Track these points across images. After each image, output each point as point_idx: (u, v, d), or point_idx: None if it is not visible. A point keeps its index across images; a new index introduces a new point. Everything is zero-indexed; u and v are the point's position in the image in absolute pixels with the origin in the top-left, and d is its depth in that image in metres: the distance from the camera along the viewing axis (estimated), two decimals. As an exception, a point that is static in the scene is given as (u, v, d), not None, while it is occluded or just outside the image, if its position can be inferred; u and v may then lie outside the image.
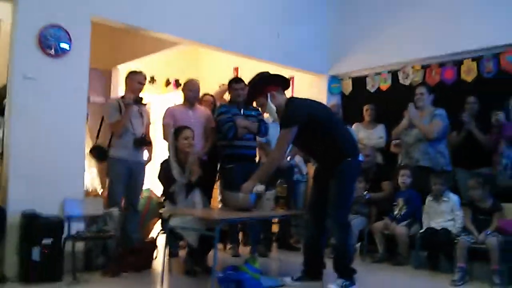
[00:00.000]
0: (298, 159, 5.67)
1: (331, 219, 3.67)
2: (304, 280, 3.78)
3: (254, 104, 3.93)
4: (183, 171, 4.14)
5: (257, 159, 5.24)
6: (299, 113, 3.62)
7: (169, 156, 4.21)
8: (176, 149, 4.18)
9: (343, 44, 6.34)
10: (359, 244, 5.07)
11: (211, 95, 5.72)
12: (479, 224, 4.17)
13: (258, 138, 5.10)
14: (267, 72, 3.91)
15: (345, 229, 3.68)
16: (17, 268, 3.70)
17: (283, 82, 3.83)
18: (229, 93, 5.20)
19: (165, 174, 4.17)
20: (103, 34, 5.94)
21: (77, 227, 4.03)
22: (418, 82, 5.65)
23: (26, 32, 3.95)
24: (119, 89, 6.62)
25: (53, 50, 4.06)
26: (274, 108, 3.70)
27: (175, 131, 4.24)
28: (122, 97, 4.77)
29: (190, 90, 5.07)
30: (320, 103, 3.93)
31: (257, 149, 5.17)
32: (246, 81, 4.47)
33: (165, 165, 4.20)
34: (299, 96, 4.03)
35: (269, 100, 3.69)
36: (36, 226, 3.66)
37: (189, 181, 4.11)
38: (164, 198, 4.26)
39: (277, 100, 3.71)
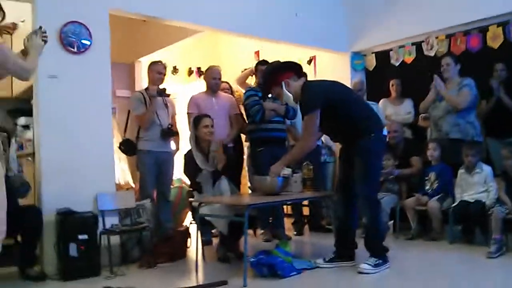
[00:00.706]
0: (325, 138, 5.63)
1: (360, 197, 3.65)
2: (337, 261, 3.78)
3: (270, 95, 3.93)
4: (207, 160, 4.17)
5: (286, 142, 5.21)
6: (316, 96, 3.60)
7: (191, 148, 4.23)
8: (197, 139, 4.20)
9: (363, 19, 6.20)
10: (391, 222, 5.03)
11: (227, 82, 5.71)
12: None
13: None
14: (278, 61, 3.90)
15: (375, 206, 3.66)
16: (56, 265, 3.81)
17: (296, 68, 3.81)
18: (256, 76, 5.19)
19: (189, 165, 4.20)
20: (123, 28, 6.01)
21: (111, 221, 4.12)
22: (443, 52, 5.49)
23: (47, 30, 4.00)
24: (143, 81, 6.67)
25: (75, 47, 4.11)
26: (291, 96, 3.68)
27: (194, 120, 4.27)
28: (146, 89, 4.82)
29: (212, 77, 5.08)
30: (336, 83, 3.87)
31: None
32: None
33: (188, 157, 4.23)
34: (322, 76, 4.00)
35: (284, 89, 3.67)
36: (71, 222, 3.75)
37: (215, 169, 4.14)
38: (192, 189, 4.31)
39: (291, 87, 3.69)
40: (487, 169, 4.44)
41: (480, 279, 3.38)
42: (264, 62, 5.10)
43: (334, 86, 3.81)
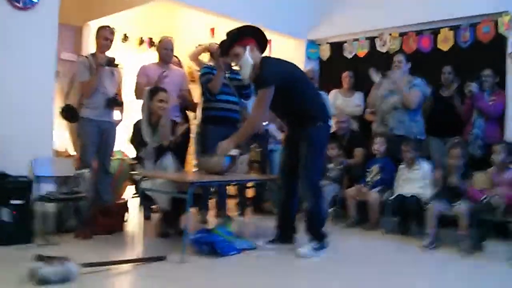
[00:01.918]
0: (272, 127, 5.63)
1: (302, 183, 3.67)
2: (277, 243, 3.82)
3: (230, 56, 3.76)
4: (154, 134, 4.06)
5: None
6: (275, 72, 3.55)
7: (142, 118, 4.11)
8: (149, 111, 4.08)
9: (322, 9, 6.25)
10: (332, 209, 5.14)
11: (176, 56, 5.58)
12: (449, 193, 4.22)
13: None
14: (248, 25, 3.79)
15: (317, 192, 3.70)
16: (-15, 229, 3.61)
17: (263, 41, 3.71)
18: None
19: (136, 136, 4.09)
20: (74, -12, 5.71)
21: (48, 188, 3.96)
22: (395, 49, 5.64)
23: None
24: (90, 46, 6.39)
25: (20, 2, 3.88)
26: (250, 61, 3.56)
27: (150, 92, 4.13)
28: (93, 54, 4.61)
29: (165, 48, 4.95)
30: (294, 65, 3.84)
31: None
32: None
33: (137, 127, 4.11)
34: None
35: (247, 52, 3.56)
36: (4, 186, 3.58)
37: (160, 144, 4.04)
38: (135, 161, 4.19)
39: (255, 55, 3.59)
40: (426, 166, 4.61)
41: (413, 269, 3.51)
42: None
43: (292, 68, 3.78)
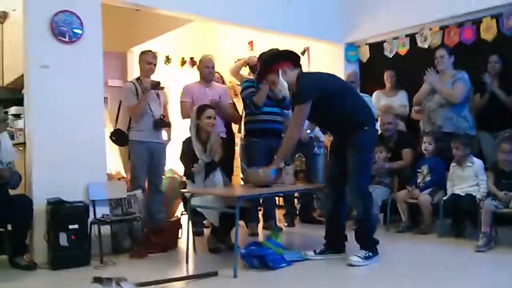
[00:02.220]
0: (317, 131, 5.62)
1: (351, 190, 3.66)
2: (327, 253, 3.80)
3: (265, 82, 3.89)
4: (205, 150, 4.16)
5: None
6: (311, 88, 3.59)
7: (190, 135, 4.22)
8: (197, 128, 4.19)
9: (357, 10, 6.18)
10: (382, 214, 5.05)
11: (218, 72, 5.68)
12: (502, 188, 4.07)
13: None
14: (277, 49, 3.88)
15: (366, 199, 3.68)
16: (46, 255, 3.81)
17: (294, 57, 3.78)
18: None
19: (187, 153, 4.20)
20: (116, 17, 5.93)
21: (102, 211, 4.11)
22: (437, 44, 5.49)
23: (37, 20, 3.97)
24: (135, 71, 6.63)
25: (66, 37, 4.08)
26: (286, 84, 3.68)
27: (198, 110, 4.23)
28: (138, 78, 4.78)
29: (206, 66, 5.06)
30: (331, 75, 3.87)
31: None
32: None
33: (186, 144, 4.23)
34: (316, 67, 4.00)
35: (280, 76, 3.66)
36: (62, 212, 3.74)
37: (211, 160, 4.13)
38: (186, 177, 4.30)
39: (288, 76, 3.67)
40: (478, 162, 4.45)
41: (468, 272, 3.41)
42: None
43: (329, 79, 3.80)
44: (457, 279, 3.25)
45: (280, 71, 3.66)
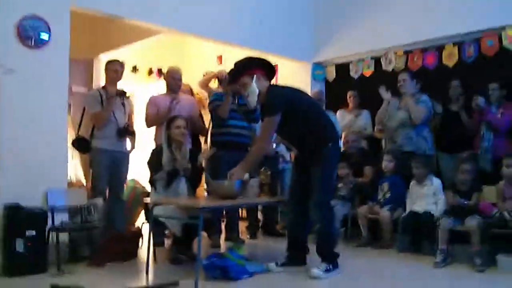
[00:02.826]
0: (281, 148, 5.67)
1: (314, 204, 3.70)
2: (289, 265, 3.82)
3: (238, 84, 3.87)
4: (175, 160, 4.13)
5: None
6: (281, 100, 3.63)
7: (162, 144, 4.19)
8: (169, 138, 4.16)
9: (326, 31, 6.34)
10: (343, 228, 5.12)
11: (187, 84, 5.70)
12: (459, 207, 4.22)
13: None
14: (255, 57, 3.92)
15: (328, 213, 3.73)
16: (1, 261, 3.66)
17: (270, 71, 3.83)
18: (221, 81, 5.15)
19: (153, 160, 4.16)
20: (84, 24, 5.88)
21: (61, 218, 4.01)
22: (400, 68, 5.69)
23: (4, 23, 3.88)
24: (101, 78, 6.55)
25: (32, 41, 4.01)
26: (257, 91, 3.67)
27: (168, 121, 4.23)
28: (104, 87, 4.74)
29: (173, 77, 5.05)
30: (300, 90, 3.94)
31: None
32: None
33: (156, 152, 4.20)
34: (283, 84, 4.04)
35: (253, 82, 3.67)
36: (19, 218, 3.64)
37: (174, 169, 4.10)
38: (150, 184, 4.25)
39: (261, 84, 3.70)
40: (436, 181, 4.61)
41: (426, 287, 3.48)
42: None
43: (298, 93, 3.86)
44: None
45: (255, 77, 3.67)
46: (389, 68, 5.88)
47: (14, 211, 3.66)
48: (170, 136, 4.15)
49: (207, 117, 5.50)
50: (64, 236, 3.92)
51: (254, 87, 3.67)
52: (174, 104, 4.82)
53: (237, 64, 3.83)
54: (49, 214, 3.87)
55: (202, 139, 5.62)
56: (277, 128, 3.67)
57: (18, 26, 3.93)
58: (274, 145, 5.34)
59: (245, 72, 3.71)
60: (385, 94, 5.13)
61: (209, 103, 4.95)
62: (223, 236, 5.00)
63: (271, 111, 3.61)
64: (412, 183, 4.71)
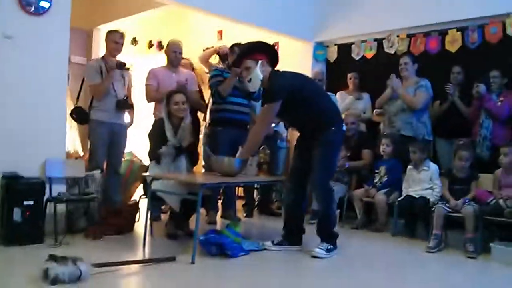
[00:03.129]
0: (279, 126, 5.66)
1: (316, 186, 3.75)
2: (284, 244, 3.86)
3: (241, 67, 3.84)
4: (175, 134, 4.11)
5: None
6: (282, 87, 3.63)
7: (163, 118, 4.16)
8: (169, 113, 4.13)
9: (329, 11, 6.27)
10: (338, 211, 5.15)
11: (188, 59, 5.65)
12: (456, 194, 4.27)
13: None
14: (262, 41, 3.89)
15: (329, 195, 3.79)
16: (-1, 230, 3.68)
17: (274, 56, 3.80)
18: (229, 56, 5.09)
19: (157, 133, 4.13)
20: (85, -7, 5.79)
21: (59, 189, 4.01)
22: (403, 51, 5.64)
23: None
24: (100, 49, 6.48)
25: (33, 8, 3.94)
26: (260, 76, 3.66)
27: (166, 96, 4.19)
28: (103, 57, 4.68)
29: (173, 51, 5.00)
30: (302, 75, 3.93)
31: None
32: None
33: (158, 124, 4.17)
34: (284, 63, 4.02)
35: (258, 66, 3.65)
36: (17, 187, 3.63)
37: (179, 145, 4.09)
38: (149, 157, 4.23)
39: (264, 69, 3.68)
40: (433, 167, 4.62)
41: (418, 271, 3.53)
42: (237, 45, 5.00)
43: (300, 79, 3.85)
44: (408, 274, 3.41)
45: (259, 62, 3.66)
46: (392, 51, 5.84)
47: (12, 180, 3.65)
48: (170, 111, 4.12)
49: (206, 93, 5.47)
50: (61, 207, 3.91)
51: (258, 72, 3.66)
52: (182, 83, 4.79)
53: (242, 47, 3.81)
54: (47, 185, 3.86)
55: (200, 116, 5.60)
56: (279, 113, 3.68)
57: (19, -9, 3.84)
58: (274, 124, 5.33)
59: (250, 55, 3.69)
60: (395, 82, 5.06)
61: (209, 79, 4.90)
62: (219, 213, 5.02)
63: (272, 98, 3.61)
64: (409, 167, 4.72)
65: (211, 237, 3.60)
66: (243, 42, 4.46)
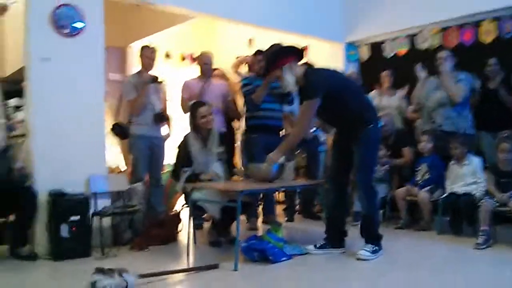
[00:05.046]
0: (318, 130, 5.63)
1: (358, 186, 3.72)
2: (327, 247, 3.82)
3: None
4: (205, 145, 4.15)
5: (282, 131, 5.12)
6: (321, 83, 3.58)
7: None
8: (195, 126, 4.16)
9: (359, 10, 6.23)
10: (381, 211, 5.07)
11: (221, 69, 5.72)
12: (502, 187, 4.12)
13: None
14: (280, 44, 3.88)
15: (372, 194, 3.72)
16: (47, 246, 3.80)
17: (297, 53, 3.76)
18: (252, 66, 5.15)
19: (180, 154, 4.17)
20: (117, 12, 5.95)
21: (103, 203, 4.12)
22: (436, 45, 5.53)
23: (39, 13, 3.95)
24: (135, 66, 6.63)
25: (67, 30, 4.07)
26: (291, 80, 3.65)
27: (191, 108, 4.21)
28: (138, 73, 4.80)
29: (204, 62, 5.08)
30: (338, 72, 3.90)
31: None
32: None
33: (184, 142, 4.19)
34: (315, 66, 4.00)
35: (286, 73, 3.62)
36: (63, 203, 3.75)
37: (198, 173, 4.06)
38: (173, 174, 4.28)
39: (294, 71, 3.64)
40: (476, 160, 4.48)
41: (468, 270, 3.43)
42: (259, 52, 5.04)
43: (336, 75, 3.82)
44: (458, 273, 3.30)
45: (284, 68, 3.62)
46: (424, 46, 5.74)
47: (58, 197, 3.78)
48: (197, 125, 4.14)
49: (240, 102, 5.51)
50: (106, 221, 4.03)
51: (287, 78, 3.63)
52: (202, 89, 4.84)
53: (265, 59, 3.82)
54: (92, 200, 3.98)
55: (236, 123, 5.64)
56: (317, 110, 3.63)
57: (53, 14, 3.99)
58: (314, 128, 5.32)
59: (275, 64, 3.67)
60: (421, 72, 5.00)
61: (241, 87, 4.95)
62: (260, 219, 5.03)
63: (311, 94, 3.56)
64: (451, 163, 4.60)
65: (253, 243, 3.60)
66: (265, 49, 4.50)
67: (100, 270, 2.91)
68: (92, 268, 2.95)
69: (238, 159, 5.63)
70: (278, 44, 3.92)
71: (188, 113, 4.74)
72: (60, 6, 4.00)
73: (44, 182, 3.86)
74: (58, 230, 3.70)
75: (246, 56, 5.58)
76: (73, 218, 3.74)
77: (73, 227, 3.73)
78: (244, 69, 5.82)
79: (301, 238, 4.33)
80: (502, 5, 5.02)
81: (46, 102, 3.97)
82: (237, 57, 6.37)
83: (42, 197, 3.82)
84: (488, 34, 5.22)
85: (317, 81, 3.60)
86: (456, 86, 4.77)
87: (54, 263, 3.63)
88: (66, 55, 4.06)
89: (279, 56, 3.70)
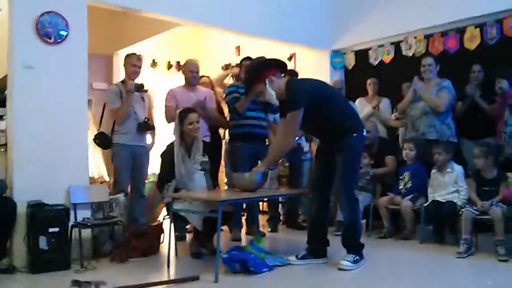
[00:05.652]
0: (301, 139, 5.63)
1: (340, 195, 3.71)
2: (309, 258, 3.80)
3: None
4: (189, 155, 4.13)
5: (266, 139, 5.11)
6: (303, 94, 3.57)
7: (174, 140, 4.17)
8: (181, 133, 4.15)
9: (344, 18, 6.24)
10: (364, 220, 5.06)
11: (207, 77, 5.70)
12: (484, 195, 4.12)
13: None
14: (262, 57, 3.87)
15: (354, 204, 3.72)
16: (26, 258, 3.75)
17: (280, 65, 3.76)
18: (240, 73, 5.14)
19: (165, 162, 4.16)
20: (102, 19, 5.93)
21: (84, 214, 4.07)
22: (421, 52, 5.55)
23: (23, 20, 3.93)
24: (120, 74, 6.62)
25: (51, 38, 4.04)
26: (273, 94, 3.63)
27: (180, 115, 4.19)
28: (123, 81, 4.77)
29: (190, 70, 5.05)
30: (321, 82, 3.89)
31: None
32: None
33: (169, 151, 4.17)
34: (302, 73, 4.01)
35: (267, 86, 3.61)
36: (42, 215, 3.70)
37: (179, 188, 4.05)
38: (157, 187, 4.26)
39: (275, 84, 3.63)
40: (458, 168, 4.49)
41: (450, 279, 3.42)
42: (248, 58, 5.03)
43: (319, 85, 3.82)
44: (439, 282, 3.29)
45: (266, 81, 3.61)
46: (410, 53, 5.75)
47: (37, 208, 3.72)
48: (184, 131, 4.13)
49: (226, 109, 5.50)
50: (86, 232, 3.98)
51: (269, 91, 3.62)
52: (201, 103, 4.83)
53: (246, 74, 3.80)
54: (72, 211, 3.93)
55: (221, 132, 5.63)
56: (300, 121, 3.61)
57: (37, 22, 3.96)
58: (297, 138, 5.30)
59: (256, 79, 3.65)
60: (419, 85, 4.96)
61: (226, 95, 4.94)
62: (244, 230, 5.01)
63: (294, 106, 3.54)
64: (434, 171, 4.60)
65: (234, 254, 3.58)
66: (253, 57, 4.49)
67: (76, 283, 2.89)
68: (70, 281, 2.92)
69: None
70: (260, 57, 3.91)
71: (172, 122, 4.74)
72: (43, 14, 3.97)
73: (23, 193, 3.81)
74: (37, 242, 3.64)
75: (231, 69, 5.56)
76: (52, 229, 3.68)
77: (52, 238, 3.67)
78: (229, 81, 5.81)
79: (284, 248, 4.32)
80: (486, 11, 5.04)
81: (28, 111, 3.93)
82: (223, 66, 6.38)
83: (21, 208, 3.76)
84: (472, 41, 5.24)
85: (299, 92, 3.59)
86: (438, 96, 4.78)
87: (33, 276, 3.58)
88: (49, 63, 4.03)
89: (260, 70, 3.68)
